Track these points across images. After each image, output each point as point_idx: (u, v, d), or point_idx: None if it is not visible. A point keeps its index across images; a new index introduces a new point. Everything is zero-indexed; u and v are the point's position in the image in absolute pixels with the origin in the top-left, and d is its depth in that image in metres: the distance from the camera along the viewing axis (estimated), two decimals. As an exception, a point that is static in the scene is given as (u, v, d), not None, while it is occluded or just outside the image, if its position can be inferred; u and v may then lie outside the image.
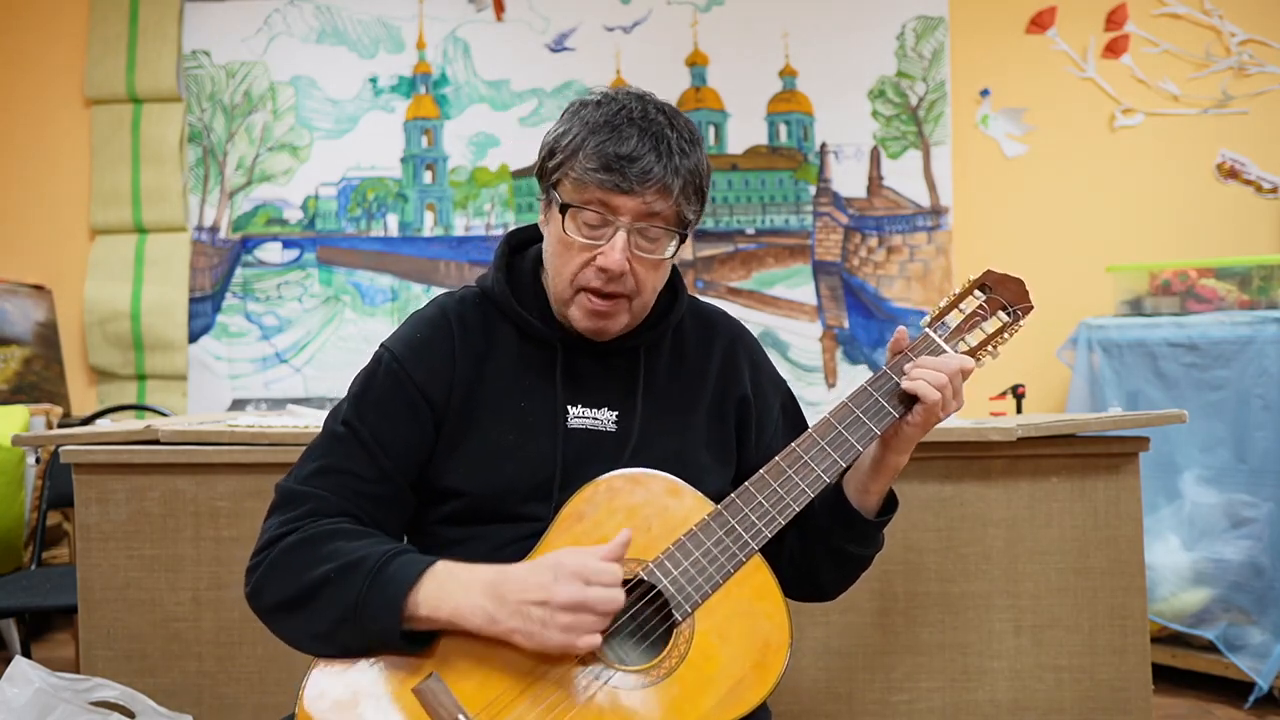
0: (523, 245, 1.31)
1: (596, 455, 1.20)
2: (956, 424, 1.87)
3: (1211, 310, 2.90)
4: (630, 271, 1.14)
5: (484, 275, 1.29)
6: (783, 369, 3.66)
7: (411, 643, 1.05)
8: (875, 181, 3.70)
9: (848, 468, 1.18)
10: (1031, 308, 1.20)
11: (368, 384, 1.22)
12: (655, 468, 1.18)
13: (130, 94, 3.78)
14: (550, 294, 1.23)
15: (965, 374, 1.15)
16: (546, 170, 1.18)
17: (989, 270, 1.21)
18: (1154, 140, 3.61)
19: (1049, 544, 1.84)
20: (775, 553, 1.18)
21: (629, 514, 1.13)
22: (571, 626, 1.00)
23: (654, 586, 1.09)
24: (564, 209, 1.14)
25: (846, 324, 3.70)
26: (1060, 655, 1.83)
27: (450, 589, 1.04)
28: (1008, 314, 1.20)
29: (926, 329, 1.20)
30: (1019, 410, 3.03)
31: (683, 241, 1.18)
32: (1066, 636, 1.83)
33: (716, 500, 1.16)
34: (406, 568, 1.06)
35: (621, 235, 1.13)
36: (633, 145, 1.11)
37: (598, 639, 1.02)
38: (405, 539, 1.27)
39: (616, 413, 1.23)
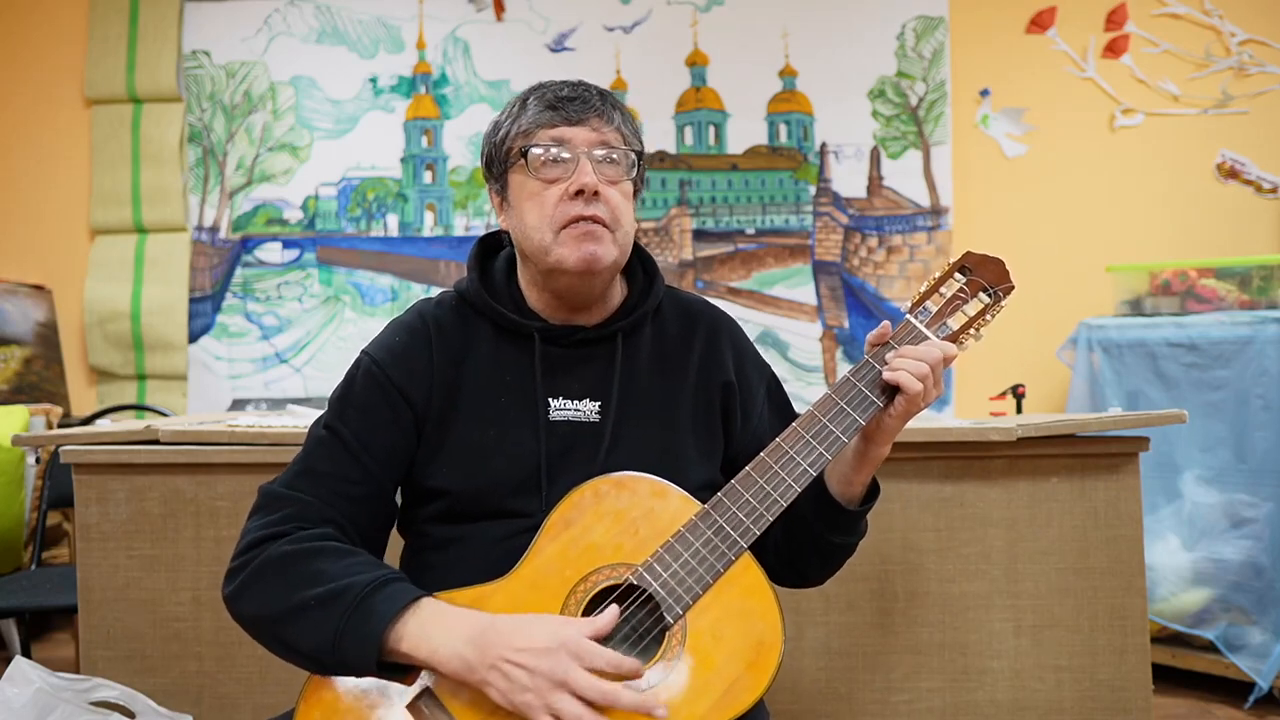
0: (495, 249, 1.35)
1: (580, 447, 1.21)
2: (956, 424, 1.87)
3: (1211, 310, 2.90)
4: (605, 199, 1.19)
5: (460, 279, 1.32)
6: (783, 369, 3.69)
7: (388, 671, 1.04)
8: (875, 181, 3.70)
9: (832, 460, 1.18)
10: (1012, 287, 1.19)
11: (349, 388, 1.24)
12: (639, 458, 1.18)
13: (130, 94, 3.78)
14: (533, 257, 1.22)
15: (947, 361, 1.15)
16: (496, 149, 1.25)
17: (968, 252, 1.21)
18: (1154, 140, 3.61)
19: (1049, 544, 1.84)
20: (760, 544, 1.17)
21: (616, 518, 1.12)
22: (549, 705, 0.97)
23: (644, 590, 1.09)
24: (524, 153, 1.20)
25: (846, 324, 3.70)
26: (1060, 655, 1.83)
27: (431, 630, 1.03)
28: (989, 295, 1.19)
29: (908, 315, 1.19)
30: (1019, 410, 3.02)
31: (640, 166, 1.25)
32: (1066, 636, 1.83)
33: (705, 489, 1.16)
34: (389, 602, 1.04)
35: (585, 161, 1.19)
36: (567, 90, 1.22)
37: None
38: (393, 539, 1.27)
39: (598, 403, 1.24)
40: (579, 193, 1.17)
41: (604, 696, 0.98)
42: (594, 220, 1.18)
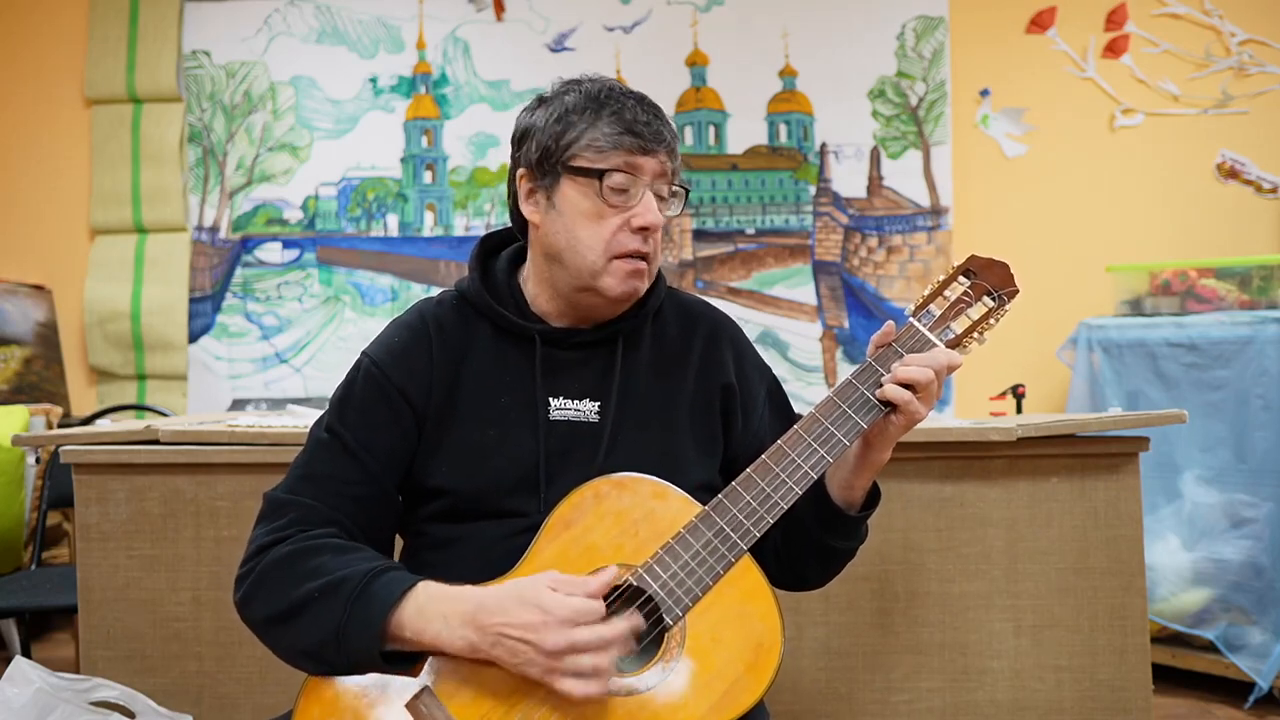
0: (496, 248, 1.33)
1: (579, 446, 1.21)
2: (956, 424, 1.87)
3: (1211, 310, 2.90)
4: (655, 232, 1.20)
5: (461, 279, 1.31)
6: (783, 369, 3.70)
7: (393, 663, 1.05)
8: (875, 181, 3.70)
9: (833, 463, 1.17)
10: (1017, 291, 1.18)
11: (349, 390, 1.23)
12: (638, 458, 1.18)
13: (130, 94, 3.79)
14: (572, 271, 1.20)
15: (951, 370, 1.14)
16: (556, 149, 1.18)
17: (973, 255, 1.20)
18: (1154, 140, 3.61)
19: (1049, 544, 1.84)
20: (760, 547, 1.17)
21: (616, 519, 1.12)
22: (563, 669, 0.99)
23: (644, 591, 1.08)
24: (600, 175, 1.16)
25: (846, 324, 3.70)
26: (1060, 655, 1.83)
27: (430, 615, 1.03)
28: (993, 299, 1.18)
29: (911, 319, 1.19)
30: (1019, 410, 3.02)
31: (685, 202, 1.25)
32: (1066, 636, 1.83)
33: (704, 490, 1.16)
34: (388, 588, 1.05)
35: (649, 194, 1.18)
36: (638, 112, 1.18)
37: (602, 683, 0.99)
38: (397, 541, 1.28)
39: (598, 403, 1.23)
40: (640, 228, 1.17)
41: (603, 640, 0.99)
42: (645, 257, 1.19)
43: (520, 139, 1.24)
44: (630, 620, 1.02)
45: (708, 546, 1.10)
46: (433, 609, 1.04)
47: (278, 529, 1.14)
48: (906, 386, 1.13)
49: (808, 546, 1.25)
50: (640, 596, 1.09)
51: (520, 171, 1.23)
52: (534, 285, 1.27)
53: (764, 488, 1.12)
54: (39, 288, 3.74)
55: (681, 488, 1.15)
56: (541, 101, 1.23)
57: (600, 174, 1.16)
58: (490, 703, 1.02)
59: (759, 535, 1.11)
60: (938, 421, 2.01)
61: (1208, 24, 3.59)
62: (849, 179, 3.71)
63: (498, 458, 1.20)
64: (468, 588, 1.06)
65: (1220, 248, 3.48)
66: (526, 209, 1.23)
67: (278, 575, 1.10)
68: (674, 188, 1.22)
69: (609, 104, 1.18)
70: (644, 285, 1.21)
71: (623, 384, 1.25)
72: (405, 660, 1.05)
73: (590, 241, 1.18)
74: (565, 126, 1.18)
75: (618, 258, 1.18)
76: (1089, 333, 3.04)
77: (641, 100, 1.20)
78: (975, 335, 1.19)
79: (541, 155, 1.20)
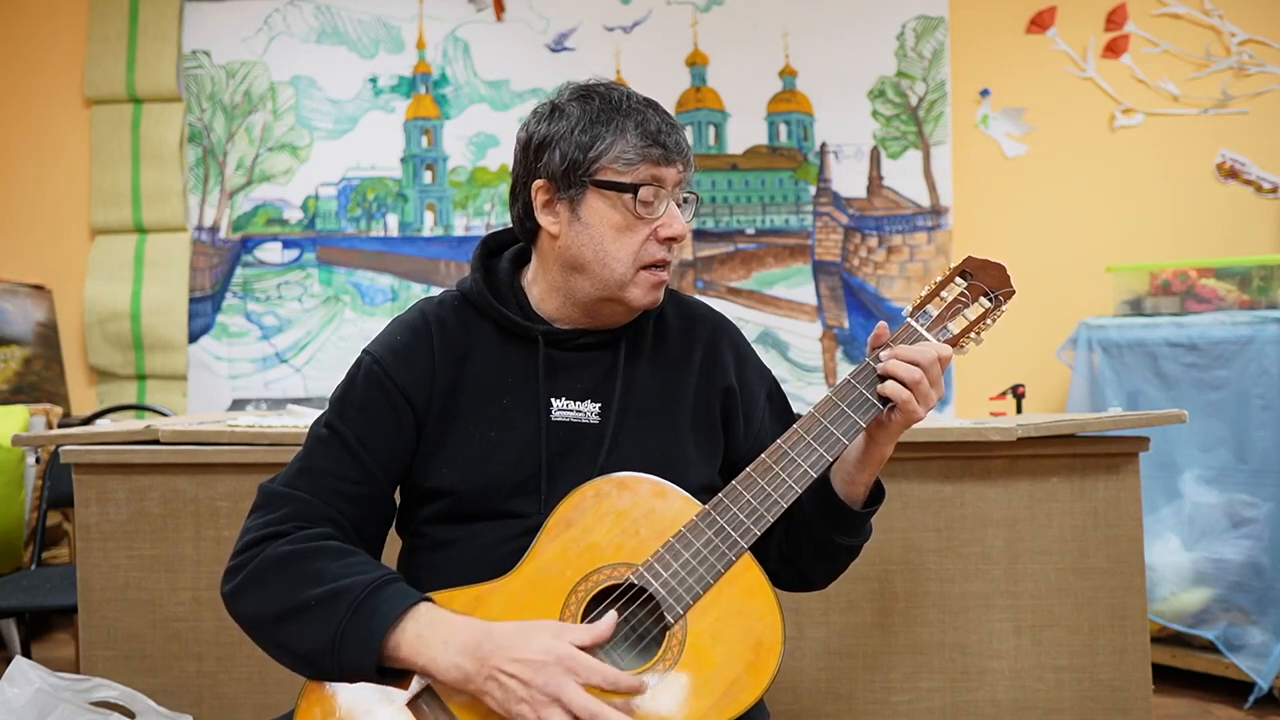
0: (499, 249, 1.33)
1: (580, 447, 1.21)
2: (956, 424, 1.87)
3: (1211, 310, 2.90)
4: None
5: (463, 279, 1.30)
6: (783, 369, 3.70)
7: (387, 676, 1.04)
8: (875, 181, 3.70)
9: (834, 462, 1.17)
10: (1013, 292, 1.19)
11: (350, 387, 1.23)
12: (638, 459, 1.18)
13: (130, 94, 3.79)
14: (598, 281, 1.20)
15: (944, 362, 1.14)
16: (583, 162, 1.17)
17: (969, 256, 1.21)
18: (1154, 140, 3.61)
19: (1049, 544, 1.84)
20: (763, 546, 1.17)
21: (617, 518, 1.12)
22: (542, 717, 0.97)
23: (645, 590, 1.09)
24: (633, 189, 1.17)
25: (846, 324, 3.70)
26: (1060, 655, 1.83)
27: (429, 638, 1.03)
28: (989, 299, 1.19)
29: (908, 319, 1.19)
30: (1019, 410, 3.03)
31: (696, 210, 1.27)
32: (1066, 636, 1.83)
33: (703, 491, 1.16)
34: (390, 603, 1.04)
35: (674, 207, 1.20)
36: (659, 122, 1.19)
37: None
38: (390, 541, 1.27)
39: (599, 404, 1.23)
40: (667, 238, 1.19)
41: (592, 716, 0.97)
42: (666, 266, 1.21)
43: (537, 148, 1.21)
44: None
45: (708, 545, 1.10)
46: (433, 634, 1.03)
47: (272, 522, 1.14)
48: (900, 381, 1.12)
49: (812, 544, 1.25)
50: (641, 595, 1.09)
51: (539, 183, 1.20)
52: (542, 291, 1.26)
53: (764, 486, 1.12)
54: (39, 288, 3.74)
55: (682, 489, 1.15)
56: (555, 109, 1.21)
57: (634, 189, 1.17)
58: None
59: (759, 534, 1.11)
60: (938, 421, 2.01)
61: (1208, 24, 3.59)
62: (849, 179, 3.71)
63: (499, 459, 1.20)
64: (472, 619, 1.05)
65: (1220, 248, 3.48)
66: (544, 220, 1.21)
67: (275, 575, 1.10)
68: (686, 194, 1.23)
69: (632, 115, 1.18)
70: (662, 295, 1.23)
71: (624, 385, 1.25)
72: (399, 673, 1.05)
73: (619, 254, 1.18)
74: (592, 139, 1.17)
75: (645, 268, 1.19)
76: (1089, 333, 3.04)
77: (658, 109, 1.20)
78: (972, 335, 1.19)
79: (568, 167, 1.18)
